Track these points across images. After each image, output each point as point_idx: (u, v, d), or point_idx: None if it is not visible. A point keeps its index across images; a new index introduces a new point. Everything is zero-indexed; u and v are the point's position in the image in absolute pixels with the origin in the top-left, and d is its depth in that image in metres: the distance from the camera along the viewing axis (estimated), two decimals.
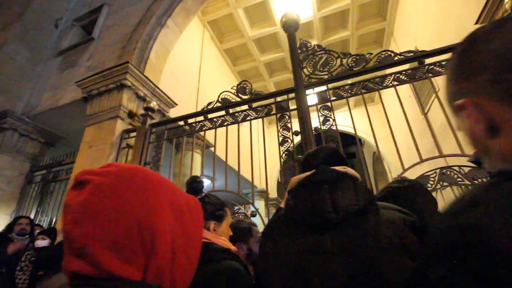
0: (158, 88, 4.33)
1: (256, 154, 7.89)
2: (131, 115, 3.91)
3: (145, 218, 0.44)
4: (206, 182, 7.39)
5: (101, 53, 4.91)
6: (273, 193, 10.16)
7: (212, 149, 5.80)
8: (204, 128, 3.23)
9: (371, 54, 2.80)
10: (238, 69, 9.38)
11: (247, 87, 3.13)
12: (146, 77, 4.14)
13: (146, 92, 4.15)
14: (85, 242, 0.41)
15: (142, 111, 3.87)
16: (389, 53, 2.69)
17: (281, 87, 10.39)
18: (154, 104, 3.77)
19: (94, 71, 4.52)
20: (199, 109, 6.37)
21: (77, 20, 6.01)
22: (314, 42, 8.00)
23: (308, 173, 0.83)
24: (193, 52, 7.12)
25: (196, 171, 5.40)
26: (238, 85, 3.16)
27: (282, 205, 0.92)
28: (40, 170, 5.10)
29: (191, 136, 3.32)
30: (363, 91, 2.67)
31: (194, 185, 1.46)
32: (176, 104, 4.73)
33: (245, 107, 3.09)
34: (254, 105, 3.04)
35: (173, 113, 4.45)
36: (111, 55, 4.69)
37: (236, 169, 3.00)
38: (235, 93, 3.12)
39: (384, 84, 2.57)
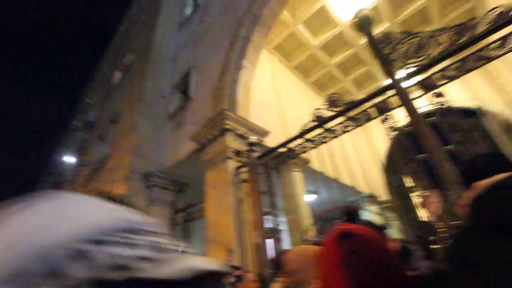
0: (251, 123, 4.82)
1: (356, 159, 7.54)
2: (237, 153, 4.45)
3: None
4: (311, 197, 7.46)
5: (200, 107, 5.88)
6: (377, 195, 9.30)
7: (310, 164, 5.90)
8: (305, 150, 3.38)
9: (474, 18, 2.43)
10: (311, 79, 9.43)
11: (337, 99, 3.15)
12: (241, 116, 4.69)
13: (244, 129, 4.68)
14: None
15: (245, 147, 4.37)
16: (501, 9, 2.26)
17: (361, 83, 9.84)
18: (254, 138, 4.21)
19: (198, 124, 5.43)
20: (285, 130, 6.66)
21: (175, 87, 7.41)
22: (386, 25, 7.36)
23: (500, 176, 0.81)
24: (267, 79, 7.63)
25: (299, 189, 5.58)
26: (328, 99, 3.22)
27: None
28: (178, 213, 6.29)
29: (294, 158, 3.51)
30: (480, 62, 2.30)
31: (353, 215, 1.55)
32: (269, 132, 5.12)
33: (341, 118, 3.09)
34: (350, 114, 3.02)
35: (270, 140, 4.83)
36: (207, 106, 5.55)
37: (336, 178, 2.98)
38: (328, 108, 3.18)
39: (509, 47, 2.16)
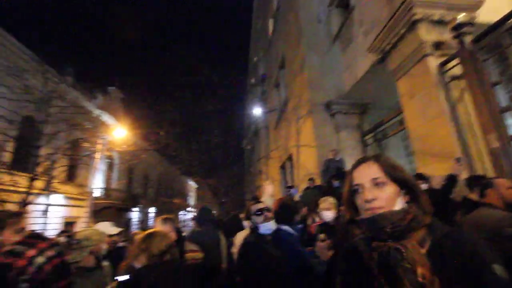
0: None
1: None
2: (438, 45, 3.48)
3: None
4: None
5: (368, 13, 5.02)
6: None
7: None
8: None
9: None
10: None
11: None
12: None
13: (441, 11, 3.53)
14: None
15: (448, 35, 3.31)
16: None
17: None
18: (462, 16, 3.07)
19: (372, 32, 4.69)
20: None
21: (330, 4, 6.73)
22: None
23: None
24: None
25: None
26: None
27: None
28: (367, 134, 6.17)
29: None
30: None
31: None
32: (482, 1, 3.56)
33: None
34: None
35: (486, 13, 3.38)
36: (378, 7, 4.61)
37: None
38: None
39: None
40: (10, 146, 8.61)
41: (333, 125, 6.35)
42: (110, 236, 2.96)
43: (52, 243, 1.45)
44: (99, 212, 14.72)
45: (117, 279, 1.50)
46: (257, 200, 1.84)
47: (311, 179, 5.21)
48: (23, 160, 9.08)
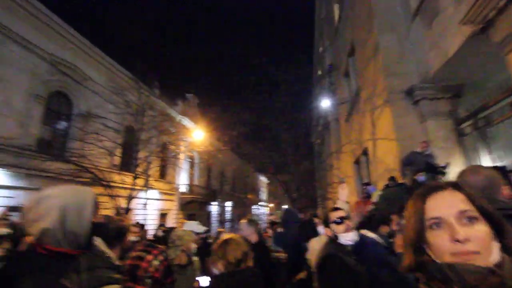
0: None
1: None
2: None
3: None
4: None
5: None
6: None
7: None
8: None
9: None
10: None
11: None
12: None
13: None
14: None
15: None
16: None
17: None
18: None
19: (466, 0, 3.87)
20: None
21: None
22: None
23: None
24: None
25: None
26: None
27: None
28: (464, 122, 5.16)
29: None
30: None
31: None
32: None
33: None
34: None
35: None
36: None
37: None
38: None
39: None
40: (118, 151, 10.55)
41: (417, 114, 5.55)
42: (198, 234, 3.31)
43: (161, 250, 1.89)
44: (185, 206, 16.75)
45: (198, 281, 1.71)
46: (336, 207, 1.74)
47: (392, 178, 4.67)
48: (128, 162, 11.03)
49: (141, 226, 7.76)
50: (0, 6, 7.76)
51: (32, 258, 0.85)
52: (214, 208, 21.25)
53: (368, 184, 6.75)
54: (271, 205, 35.85)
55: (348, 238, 1.50)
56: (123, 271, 1.64)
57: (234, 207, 23.70)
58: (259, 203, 31.79)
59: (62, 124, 10.04)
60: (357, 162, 9.14)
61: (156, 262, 1.72)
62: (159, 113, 11.64)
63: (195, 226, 3.30)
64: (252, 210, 28.63)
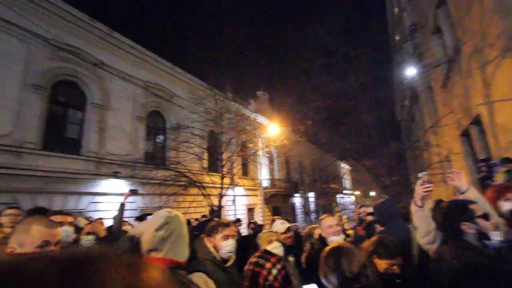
0: None
1: None
2: None
3: None
4: None
5: None
6: None
7: None
8: None
9: None
10: None
11: None
12: None
13: None
14: None
15: None
16: None
17: None
18: None
19: None
20: None
21: None
22: None
23: None
24: None
25: None
26: None
27: None
28: None
29: None
30: None
31: None
32: None
33: None
34: None
35: None
36: None
37: None
38: None
39: None
40: (205, 155, 11.67)
41: None
42: (287, 231, 3.24)
43: (279, 258, 1.89)
44: (269, 199, 17.32)
45: None
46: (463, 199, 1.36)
47: None
48: (214, 164, 12.08)
49: (237, 220, 8.37)
50: (106, 50, 9.59)
51: None
52: (297, 199, 21.30)
53: (487, 160, 5.41)
54: (357, 192, 33.61)
55: (498, 237, 1.13)
56: (245, 275, 1.71)
57: (317, 197, 23.22)
58: (344, 192, 30.22)
59: (160, 138, 11.77)
60: (465, 134, 7.49)
61: (274, 271, 1.71)
62: (234, 115, 12.32)
63: (279, 226, 3.21)
64: (337, 199, 27.47)
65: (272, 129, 15.09)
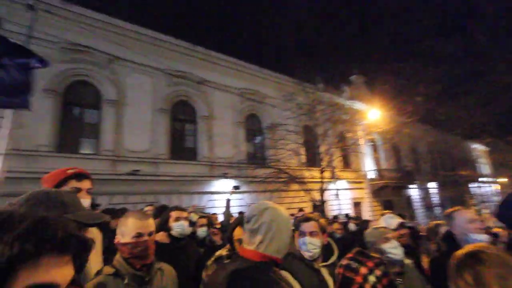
0: None
1: None
2: None
3: None
4: None
5: None
6: None
7: None
8: None
9: None
10: None
11: None
12: None
13: None
14: None
15: None
16: None
17: None
18: None
19: None
20: None
21: None
22: None
23: None
24: None
25: None
26: None
27: None
28: None
29: None
30: None
31: None
32: None
33: None
34: None
35: None
36: None
37: None
38: None
39: None
40: (302, 150, 11.63)
41: None
42: (401, 227, 2.76)
43: (378, 262, 1.47)
44: (377, 192, 15.61)
45: None
46: None
47: None
48: (312, 158, 11.88)
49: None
50: (206, 68, 10.99)
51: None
52: (413, 192, 18.30)
53: None
54: (502, 179, 25.60)
55: None
56: (336, 280, 1.46)
57: (441, 188, 19.23)
58: (480, 180, 23.88)
59: (258, 139, 12.53)
60: None
61: (372, 279, 1.35)
62: (328, 105, 11.73)
63: (389, 220, 2.75)
64: (470, 189, 21.96)
65: (373, 114, 13.52)
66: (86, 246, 0.52)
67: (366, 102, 15.76)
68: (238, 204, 9.49)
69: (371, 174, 15.96)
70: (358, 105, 15.89)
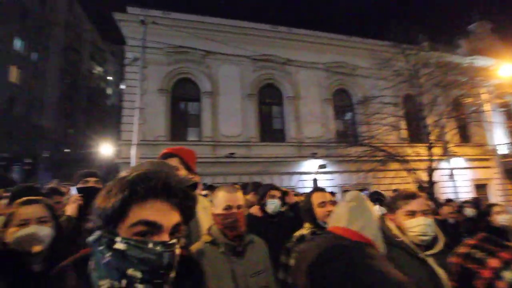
0: None
1: None
2: None
3: None
4: None
5: None
6: None
7: None
8: None
9: None
10: None
11: None
12: None
13: None
14: None
15: None
16: None
17: None
18: None
19: None
20: None
21: None
22: None
23: None
24: None
25: None
26: None
27: None
28: None
29: None
30: None
31: None
32: None
33: None
34: None
35: None
36: None
37: None
38: None
39: None
40: (403, 124, 10.16)
41: None
42: None
43: None
44: (511, 171, 12.19)
45: None
46: None
47: None
48: (417, 132, 10.23)
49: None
50: (289, 48, 10.79)
51: None
52: None
53: None
54: None
55: None
56: (450, 271, 1.07)
57: None
58: None
59: (348, 115, 11.65)
60: None
61: (509, 275, 0.93)
62: (436, 67, 9.65)
63: None
64: None
65: (504, 71, 10.32)
66: (187, 196, 0.61)
67: (494, 56, 12.15)
68: (328, 184, 9.25)
69: (503, 149, 12.53)
70: (481, 61, 12.39)
